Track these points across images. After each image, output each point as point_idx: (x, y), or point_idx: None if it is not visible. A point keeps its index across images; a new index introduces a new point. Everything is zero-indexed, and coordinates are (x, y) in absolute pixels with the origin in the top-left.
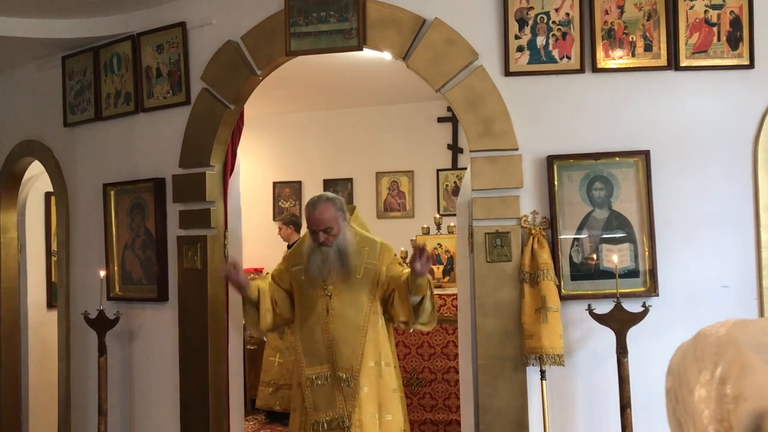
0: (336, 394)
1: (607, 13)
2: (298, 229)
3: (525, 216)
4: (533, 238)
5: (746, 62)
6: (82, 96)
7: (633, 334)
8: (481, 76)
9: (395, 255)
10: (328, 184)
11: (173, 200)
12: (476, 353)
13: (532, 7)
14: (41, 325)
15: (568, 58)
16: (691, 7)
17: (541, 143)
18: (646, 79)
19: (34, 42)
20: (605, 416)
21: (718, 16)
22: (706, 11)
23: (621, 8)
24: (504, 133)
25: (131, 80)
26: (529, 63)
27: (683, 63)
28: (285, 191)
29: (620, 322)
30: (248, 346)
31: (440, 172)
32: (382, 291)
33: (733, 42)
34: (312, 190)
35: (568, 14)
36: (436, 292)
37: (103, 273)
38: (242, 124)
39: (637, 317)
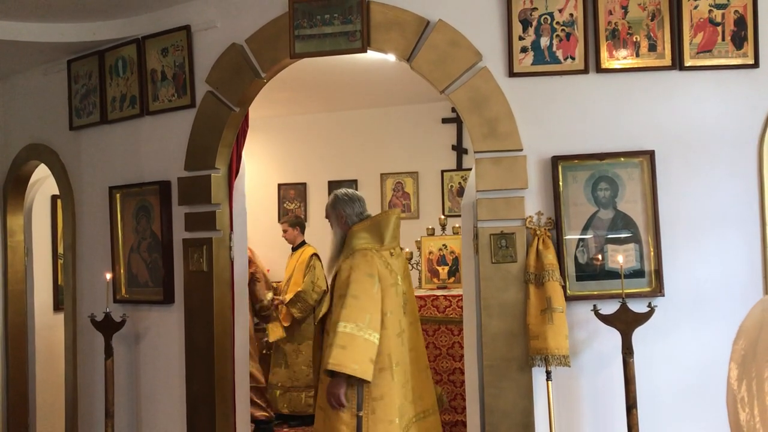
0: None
1: (611, 13)
2: (303, 230)
3: (530, 217)
4: (538, 238)
5: (751, 61)
6: (88, 99)
7: (639, 335)
8: (485, 77)
9: (353, 269)
10: (333, 185)
11: (179, 203)
12: (482, 354)
13: (535, 8)
14: (48, 327)
15: (572, 58)
16: (696, 7)
17: (546, 144)
18: (651, 79)
19: (39, 46)
20: (611, 417)
21: (723, 15)
22: (710, 11)
23: (625, 8)
24: (508, 133)
25: (136, 83)
26: (533, 64)
27: (687, 63)
28: (290, 193)
29: (626, 322)
30: (264, 351)
31: (445, 173)
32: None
33: (738, 41)
34: (317, 191)
35: (571, 15)
36: (441, 293)
37: (109, 276)
38: (247, 126)
39: (643, 317)
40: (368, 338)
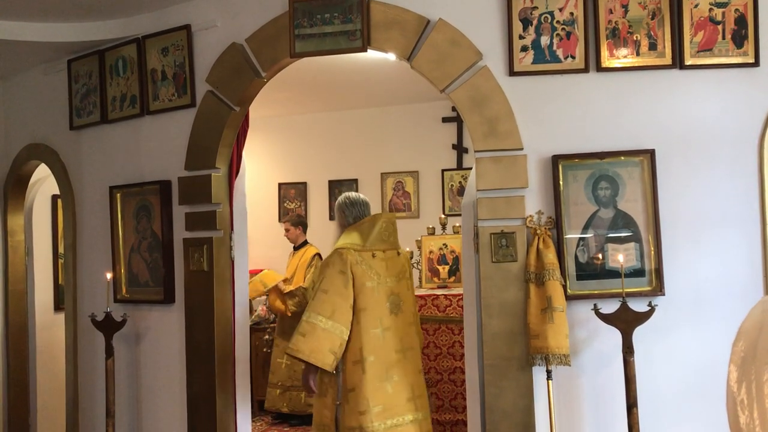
0: None
1: (611, 12)
2: (305, 230)
3: (530, 216)
4: (539, 238)
5: (751, 60)
6: (88, 99)
7: (639, 334)
8: (486, 76)
9: (327, 266)
10: (333, 185)
11: (179, 202)
12: (482, 353)
13: (536, 7)
14: (49, 327)
15: (573, 57)
16: (696, 6)
17: (546, 143)
18: (651, 78)
19: (40, 46)
20: (612, 416)
21: (723, 14)
22: (710, 9)
23: (625, 7)
24: (509, 133)
25: (137, 83)
26: (533, 63)
27: (688, 62)
28: (290, 192)
29: (626, 321)
30: (265, 350)
31: (445, 173)
32: None
33: (738, 40)
34: (317, 191)
35: (572, 13)
36: (441, 292)
37: (109, 275)
38: (247, 126)
39: (643, 317)
40: (330, 330)
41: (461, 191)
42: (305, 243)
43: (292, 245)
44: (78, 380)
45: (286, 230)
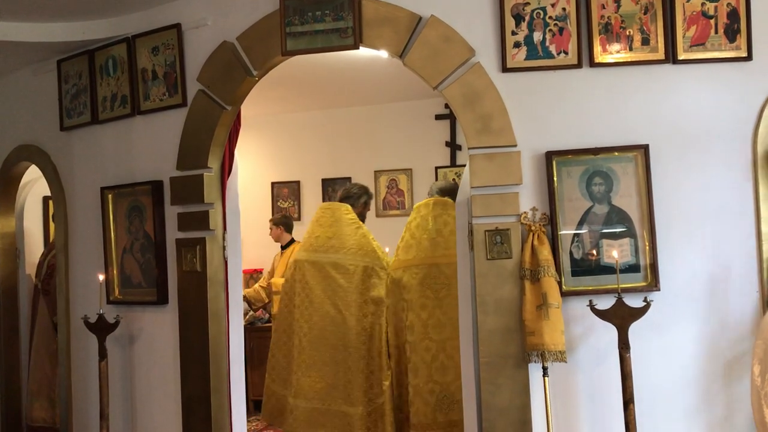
0: None
1: (603, 7)
2: (289, 229)
3: (525, 212)
4: (533, 234)
5: (744, 54)
6: (78, 99)
7: (635, 329)
8: (479, 72)
9: None
10: (327, 183)
11: (171, 203)
12: (478, 351)
13: (528, 3)
14: None
15: (566, 53)
16: (688, 0)
17: (540, 139)
18: (644, 73)
19: (29, 46)
20: (608, 412)
21: (716, 8)
22: (703, 4)
23: (617, 2)
24: (502, 129)
25: (127, 83)
26: (526, 59)
27: (681, 56)
28: (283, 191)
29: (622, 317)
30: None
31: (439, 170)
32: None
33: (731, 34)
34: (311, 189)
35: (564, 9)
36: None
37: (102, 277)
38: (239, 125)
39: (639, 312)
40: None
41: None
42: (292, 241)
43: (280, 245)
44: (71, 383)
45: (270, 229)
